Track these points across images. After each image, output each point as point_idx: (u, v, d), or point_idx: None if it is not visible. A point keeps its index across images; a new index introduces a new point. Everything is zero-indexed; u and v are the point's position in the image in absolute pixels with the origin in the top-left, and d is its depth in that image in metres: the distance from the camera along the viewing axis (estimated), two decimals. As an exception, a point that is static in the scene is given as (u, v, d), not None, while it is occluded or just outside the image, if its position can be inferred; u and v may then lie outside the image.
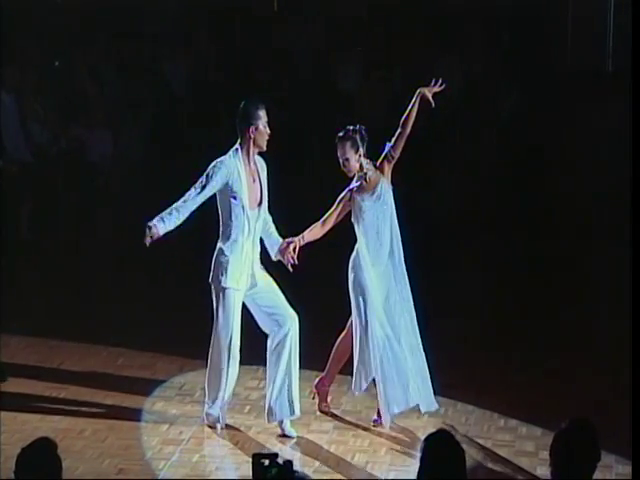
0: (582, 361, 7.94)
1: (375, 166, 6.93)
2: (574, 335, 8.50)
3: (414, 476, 4.16)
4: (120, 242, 10.85)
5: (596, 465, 4.03)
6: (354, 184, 6.92)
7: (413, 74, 13.03)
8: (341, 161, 6.91)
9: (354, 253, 6.95)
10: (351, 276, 6.92)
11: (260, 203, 6.78)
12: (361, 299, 6.83)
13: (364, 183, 6.88)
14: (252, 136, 6.70)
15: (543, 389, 7.45)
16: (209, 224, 10.82)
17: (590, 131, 12.13)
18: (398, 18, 13.32)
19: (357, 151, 6.87)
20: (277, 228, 6.95)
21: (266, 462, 3.73)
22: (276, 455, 3.76)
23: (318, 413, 7.12)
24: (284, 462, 3.74)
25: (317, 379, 7.18)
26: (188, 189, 6.79)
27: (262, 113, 6.72)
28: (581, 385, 7.50)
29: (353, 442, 6.74)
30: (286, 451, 6.51)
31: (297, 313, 6.81)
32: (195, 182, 6.74)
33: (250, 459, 3.83)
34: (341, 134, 6.90)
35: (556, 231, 10.81)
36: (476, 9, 13.02)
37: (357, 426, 6.94)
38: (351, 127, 6.91)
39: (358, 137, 6.87)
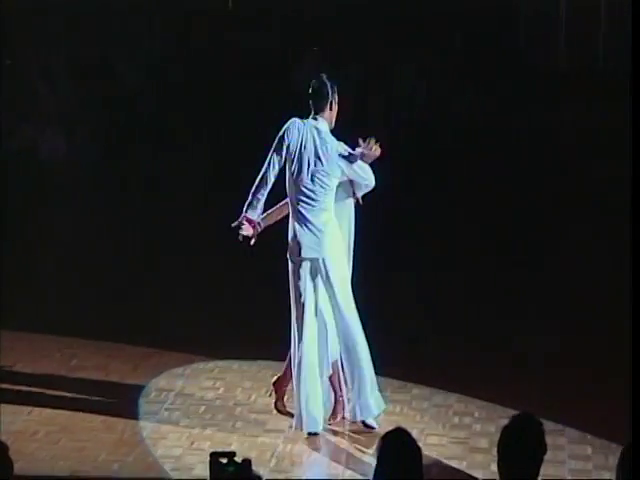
0: (535, 357, 7.97)
1: None
2: (524, 331, 8.51)
3: (370, 474, 4.15)
4: (72, 240, 10.75)
5: (542, 458, 4.05)
6: None
7: (370, 74, 13.08)
8: None
9: None
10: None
11: None
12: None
13: None
14: (331, 111, 6.70)
15: (497, 386, 7.46)
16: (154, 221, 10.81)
17: (545, 129, 12.23)
18: (355, 18, 13.35)
19: None
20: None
21: (224, 460, 3.69)
22: (234, 454, 3.72)
23: (274, 412, 7.08)
24: (242, 461, 3.70)
25: (275, 377, 7.15)
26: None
27: (336, 89, 6.73)
28: (533, 380, 7.52)
29: (309, 441, 6.70)
30: (242, 450, 6.46)
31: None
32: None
33: (205, 459, 3.79)
34: None
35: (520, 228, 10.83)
36: (432, 8, 13.09)
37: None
38: None
39: None
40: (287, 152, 6.67)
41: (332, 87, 6.74)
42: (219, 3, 13.56)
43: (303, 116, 6.81)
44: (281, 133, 6.72)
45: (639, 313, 5.52)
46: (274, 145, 6.73)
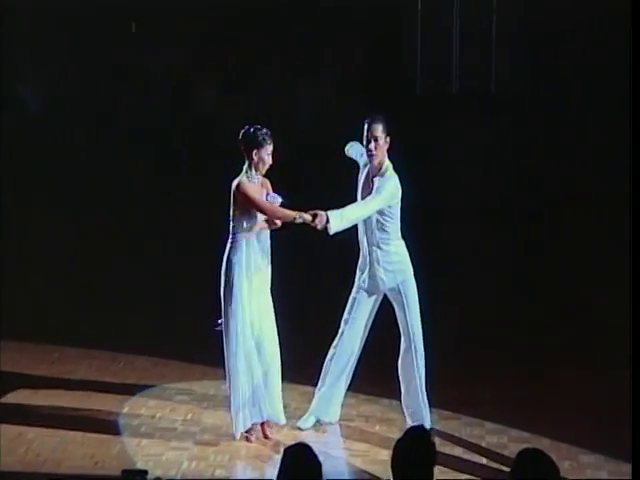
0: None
1: None
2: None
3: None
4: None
5: (433, 468, 4.19)
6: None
7: (270, 96, 13.21)
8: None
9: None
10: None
11: None
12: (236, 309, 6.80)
13: None
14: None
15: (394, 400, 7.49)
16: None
17: (444, 149, 12.48)
18: (254, 41, 13.47)
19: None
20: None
21: (136, 479, 3.72)
22: (146, 472, 3.75)
23: (179, 429, 7.12)
24: (154, 479, 3.74)
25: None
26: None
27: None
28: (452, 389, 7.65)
29: (214, 458, 6.72)
30: (147, 468, 6.46)
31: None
32: None
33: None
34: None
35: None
36: (333, 30, 13.31)
37: (218, 442, 6.94)
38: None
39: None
40: None
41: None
42: (123, 25, 13.55)
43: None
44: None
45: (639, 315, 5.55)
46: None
